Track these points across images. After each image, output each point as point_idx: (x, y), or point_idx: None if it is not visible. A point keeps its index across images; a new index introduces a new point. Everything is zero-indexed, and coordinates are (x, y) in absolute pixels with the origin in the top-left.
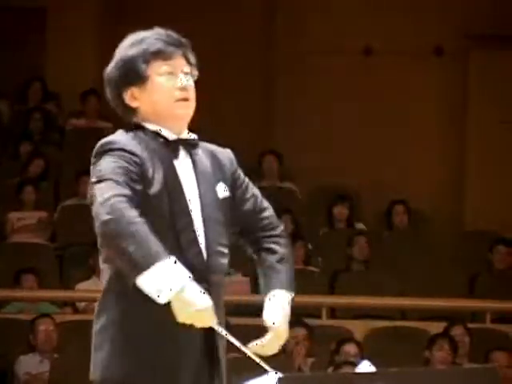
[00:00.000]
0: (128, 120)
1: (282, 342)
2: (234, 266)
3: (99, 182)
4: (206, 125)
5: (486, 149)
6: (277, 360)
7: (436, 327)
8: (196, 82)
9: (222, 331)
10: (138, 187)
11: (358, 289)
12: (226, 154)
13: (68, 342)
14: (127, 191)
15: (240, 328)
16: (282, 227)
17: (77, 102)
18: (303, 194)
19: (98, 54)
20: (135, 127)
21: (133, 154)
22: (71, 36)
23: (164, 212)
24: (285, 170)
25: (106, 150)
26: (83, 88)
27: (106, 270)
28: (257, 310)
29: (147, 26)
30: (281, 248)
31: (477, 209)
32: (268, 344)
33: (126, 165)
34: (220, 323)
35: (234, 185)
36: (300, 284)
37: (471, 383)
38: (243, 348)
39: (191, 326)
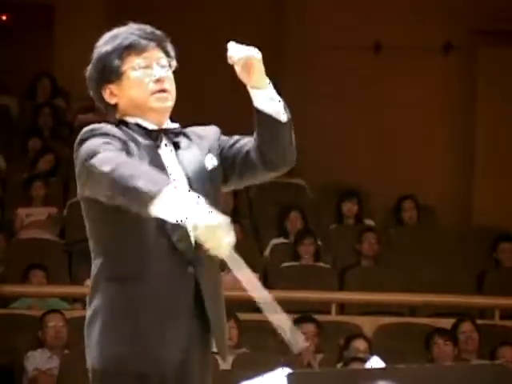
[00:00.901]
0: (111, 117)
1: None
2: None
3: (91, 157)
4: (210, 119)
5: (495, 145)
6: (285, 356)
7: (445, 323)
8: (206, 77)
9: (240, 261)
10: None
11: (367, 285)
12: (209, 128)
13: (78, 338)
14: (110, 146)
15: (248, 323)
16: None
17: (85, 97)
18: (312, 190)
19: None
20: (118, 122)
21: (116, 138)
22: (79, 33)
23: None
24: (294, 165)
25: (90, 136)
26: None
27: (95, 256)
28: None
29: (151, 20)
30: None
31: (485, 205)
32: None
33: (113, 141)
34: (217, 314)
35: (220, 145)
36: (309, 280)
37: (480, 379)
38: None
39: (177, 313)
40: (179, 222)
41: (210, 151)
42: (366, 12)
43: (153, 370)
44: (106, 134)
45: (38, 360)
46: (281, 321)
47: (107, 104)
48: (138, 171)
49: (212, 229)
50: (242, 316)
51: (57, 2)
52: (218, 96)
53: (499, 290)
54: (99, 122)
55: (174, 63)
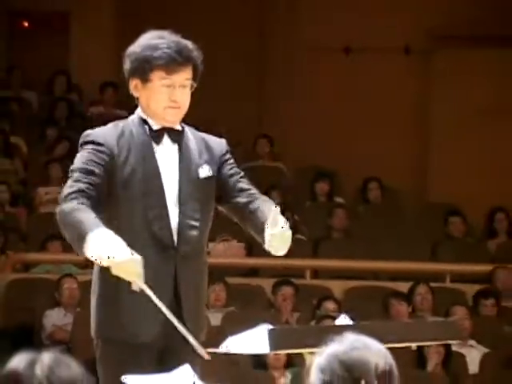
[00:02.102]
0: (135, 101)
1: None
2: (231, 233)
3: (70, 172)
4: (208, 113)
5: (447, 135)
6: (267, 314)
7: (403, 287)
8: (202, 77)
9: (146, 289)
10: (94, 178)
11: (337, 254)
12: (217, 141)
13: (88, 298)
14: (80, 185)
15: (236, 286)
16: (264, 197)
17: (96, 92)
18: (290, 173)
19: (115, 51)
20: (129, 116)
21: (99, 145)
22: (91, 35)
23: (135, 190)
24: (275, 152)
25: (82, 143)
26: (102, 80)
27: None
28: (250, 271)
29: (158, 26)
30: (258, 199)
31: (438, 186)
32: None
33: (92, 157)
34: (198, 296)
35: (221, 166)
36: (288, 250)
37: (435, 334)
38: (174, 320)
39: (157, 291)
40: (99, 259)
41: (207, 162)
42: (337, 18)
43: (136, 339)
44: (92, 143)
45: (55, 317)
46: (194, 341)
47: (131, 91)
48: (70, 225)
49: (122, 266)
50: (231, 280)
51: (71, 9)
52: (214, 96)
53: (450, 258)
54: (107, 115)
55: (195, 82)
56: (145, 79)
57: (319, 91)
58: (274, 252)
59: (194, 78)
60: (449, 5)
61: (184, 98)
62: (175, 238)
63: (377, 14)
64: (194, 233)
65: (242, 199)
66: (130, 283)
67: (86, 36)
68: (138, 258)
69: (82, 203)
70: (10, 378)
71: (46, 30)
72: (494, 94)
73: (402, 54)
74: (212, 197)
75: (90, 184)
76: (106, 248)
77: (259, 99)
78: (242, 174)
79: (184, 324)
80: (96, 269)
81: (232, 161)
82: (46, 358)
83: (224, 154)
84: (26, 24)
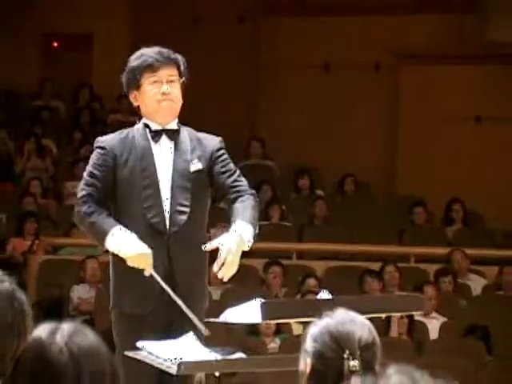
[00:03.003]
0: (137, 114)
1: (233, 259)
2: (226, 219)
3: (84, 174)
4: (209, 120)
5: (412, 139)
6: (259, 290)
7: (375, 266)
8: (201, 85)
9: (157, 277)
10: (97, 182)
11: (319, 238)
12: (212, 138)
13: (108, 276)
14: (89, 190)
15: None
16: (252, 191)
17: (115, 102)
18: (279, 170)
19: None
20: (135, 123)
21: (104, 149)
22: (110, 54)
23: (136, 184)
24: (266, 151)
25: (94, 148)
26: (119, 92)
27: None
28: (245, 253)
29: (166, 46)
30: (247, 199)
31: (404, 180)
32: (223, 262)
33: (98, 161)
34: (194, 270)
35: (213, 161)
36: (277, 234)
37: (402, 306)
38: (177, 299)
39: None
40: (118, 253)
41: (198, 157)
42: (318, 40)
43: (139, 311)
44: (99, 148)
45: (80, 292)
46: (193, 316)
47: (133, 104)
48: (90, 225)
49: (135, 259)
50: None
51: (94, 32)
52: (213, 104)
53: (414, 242)
54: (123, 121)
55: (183, 78)
56: (138, 85)
57: (303, 101)
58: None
59: (180, 75)
60: (413, 27)
61: (173, 91)
62: (167, 223)
63: (352, 35)
64: (183, 217)
65: (229, 196)
66: (141, 269)
67: (105, 54)
68: (148, 251)
69: (91, 206)
70: (34, 345)
71: (72, 49)
72: (451, 104)
73: (373, 69)
74: (203, 188)
75: (95, 187)
76: (122, 245)
77: (253, 107)
78: (234, 169)
79: (180, 297)
80: (111, 256)
81: (225, 157)
82: (66, 327)
83: (217, 151)
84: (56, 44)
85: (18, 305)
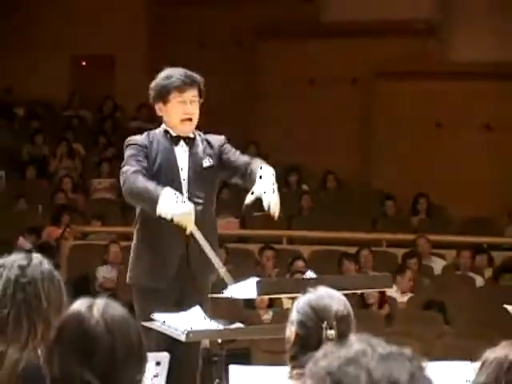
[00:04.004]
0: (158, 121)
1: (275, 197)
2: (228, 211)
3: (123, 166)
4: (212, 125)
5: (384, 142)
6: (254, 270)
7: (352, 250)
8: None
9: (196, 231)
10: (144, 164)
11: (305, 226)
12: (217, 138)
13: (128, 258)
14: (136, 167)
15: (233, 250)
16: (257, 160)
17: (134, 111)
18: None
19: (147, 81)
20: (158, 128)
21: (141, 146)
22: (130, 71)
23: (162, 178)
24: (261, 154)
25: (127, 145)
26: (138, 102)
27: (137, 214)
28: (243, 239)
29: (177, 64)
30: (256, 160)
31: (377, 177)
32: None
33: (136, 153)
34: (209, 242)
35: (221, 153)
36: (269, 223)
37: (374, 284)
38: (209, 251)
39: (173, 254)
40: (164, 215)
41: (209, 155)
42: (301, 57)
43: (156, 285)
44: (134, 144)
45: (105, 271)
46: (223, 270)
47: (157, 113)
48: (139, 192)
49: (180, 217)
50: (230, 245)
51: (116, 53)
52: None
53: (385, 230)
54: (141, 127)
55: (202, 98)
56: (164, 101)
57: (292, 112)
58: (270, 205)
59: (200, 96)
60: (385, 48)
61: (194, 111)
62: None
63: (332, 54)
64: (199, 207)
65: (243, 172)
66: (158, 248)
67: (125, 72)
68: (191, 211)
69: (141, 176)
70: (74, 317)
71: (97, 67)
72: (416, 112)
73: (351, 83)
74: (214, 182)
75: (142, 167)
76: (171, 206)
77: (249, 116)
78: (239, 152)
79: (193, 269)
80: (135, 234)
81: (230, 147)
82: (100, 302)
83: (222, 145)
84: (84, 63)
85: (57, 282)
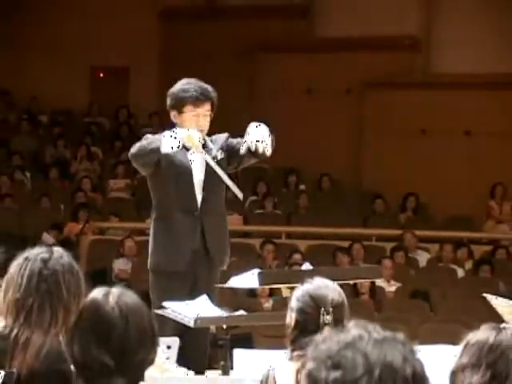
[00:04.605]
0: (173, 125)
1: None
2: (232, 209)
3: (142, 138)
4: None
5: (374, 146)
6: (256, 262)
7: (345, 244)
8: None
9: (207, 158)
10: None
11: (302, 223)
12: (221, 135)
13: (141, 251)
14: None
15: (236, 244)
16: None
17: (147, 118)
18: (271, 169)
19: (159, 91)
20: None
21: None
22: (143, 81)
23: (173, 174)
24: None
25: (143, 137)
26: (151, 110)
27: (153, 206)
28: (246, 234)
29: (188, 75)
30: None
31: (368, 176)
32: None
33: (148, 141)
34: (220, 243)
35: (227, 145)
36: (270, 220)
37: (365, 275)
38: (220, 172)
39: (188, 238)
40: (175, 140)
41: (218, 150)
42: (299, 68)
43: (172, 269)
44: (150, 137)
45: (120, 263)
46: (234, 187)
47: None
48: (144, 144)
49: (187, 136)
50: (233, 240)
51: (130, 65)
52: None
53: (375, 226)
54: (154, 133)
55: (213, 111)
56: (179, 111)
57: (290, 119)
58: (255, 145)
59: (212, 110)
60: (375, 62)
61: (206, 123)
62: (199, 204)
63: (328, 66)
64: (213, 200)
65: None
66: (176, 236)
67: (139, 82)
68: (196, 132)
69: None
70: (92, 304)
71: (114, 78)
72: (403, 120)
73: (345, 93)
74: (225, 170)
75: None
76: (171, 137)
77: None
78: (241, 140)
79: (209, 252)
80: (153, 224)
81: (233, 139)
82: (115, 290)
83: (226, 140)
84: (101, 74)
85: (76, 273)
